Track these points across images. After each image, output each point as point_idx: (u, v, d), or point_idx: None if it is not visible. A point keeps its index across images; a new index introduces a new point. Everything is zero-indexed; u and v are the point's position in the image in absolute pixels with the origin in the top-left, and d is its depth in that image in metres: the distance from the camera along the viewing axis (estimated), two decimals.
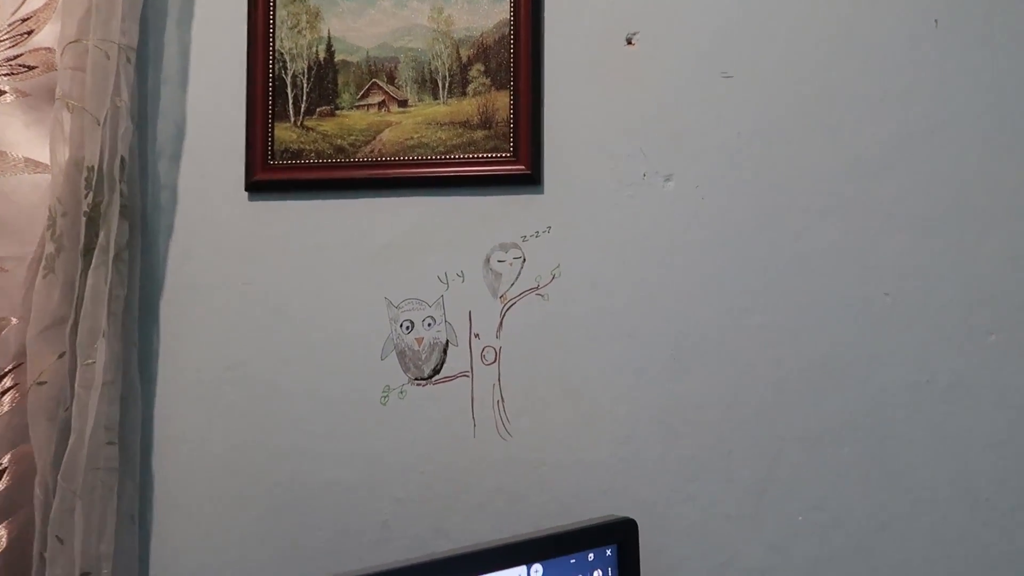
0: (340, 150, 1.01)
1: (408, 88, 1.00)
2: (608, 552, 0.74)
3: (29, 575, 0.98)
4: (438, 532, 0.96)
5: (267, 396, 1.02)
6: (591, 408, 0.93)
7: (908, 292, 0.86)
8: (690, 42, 0.93)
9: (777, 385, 0.89)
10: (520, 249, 0.96)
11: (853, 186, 0.88)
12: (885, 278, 0.87)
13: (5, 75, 1.06)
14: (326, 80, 1.02)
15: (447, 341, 0.97)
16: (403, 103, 1.00)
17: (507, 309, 0.96)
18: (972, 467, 0.84)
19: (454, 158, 0.98)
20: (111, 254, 0.99)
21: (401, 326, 0.99)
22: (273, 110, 1.03)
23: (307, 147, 1.02)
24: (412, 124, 0.99)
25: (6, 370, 1.02)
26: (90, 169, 0.99)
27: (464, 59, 0.98)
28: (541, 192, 0.96)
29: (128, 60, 1.02)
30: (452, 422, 0.97)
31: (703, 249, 0.91)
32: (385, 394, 0.99)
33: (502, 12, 0.97)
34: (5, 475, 1.00)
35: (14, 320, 1.03)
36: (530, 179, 0.95)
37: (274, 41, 1.03)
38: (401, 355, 0.99)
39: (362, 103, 1.01)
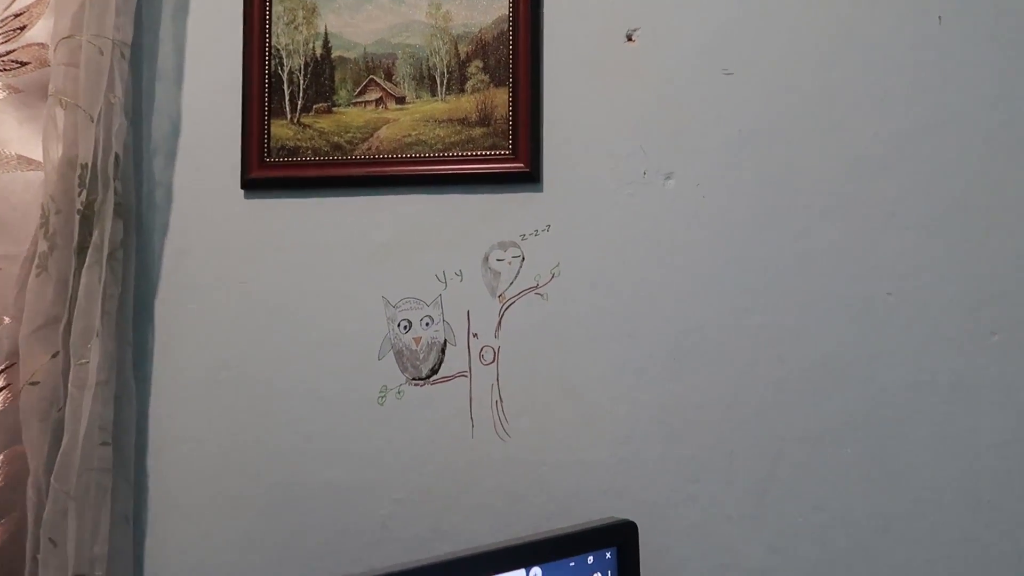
0: (337, 147, 1.00)
1: (406, 85, 0.99)
2: (608, 555, 0.73)
3: None
4: (436, 533, 0.96)
5: (263, 396, 1.02)
6: (591, 408, 0.93)
7: (910, 291, 0.86)
8: (691, 39, 0.92)
9: (778, 385, 0.88)
10: (519, 248, 0.95)
11: (855, 185, 0.87)
12: (887, 277, 0.86)
13: None
14: (323, 77, 1.01)
15: (445, 341, 0.97)
16: (401, 100, 0.99)
17: (506, 308, 0.95)
18: (974, 468, 0.83)
19: (452, 156, 0.97)
20: (105, 252, 0.98)
21: (399, 325, 0.98)
22: (269, 107, 1.02)
23: (304, 144, 1.01)
24: (410, 121, 0.98)
25: None
26: (84, 166, 0.98)
27: (462, 55, 0.97)
28: (540, 190, 0.95)
29: (122, 56, 1.01)
30: (450, 422, 0.96)
31: (704, 248, 0.91)
32: (382, 394, 0.98)
33: (501, 8, 0.96)
34: None
35: (6, 319, 1.02)
36: (529, 177, 0.94)
37: (270, 37, 1.03)
38: (399, 355, 0.98)
39: (359, 100, 1.00)
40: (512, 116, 0.95)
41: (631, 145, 0.93)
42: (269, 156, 1.02)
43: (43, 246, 0.99)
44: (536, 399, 0.94)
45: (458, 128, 0.97)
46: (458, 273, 0.97)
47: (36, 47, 1.06)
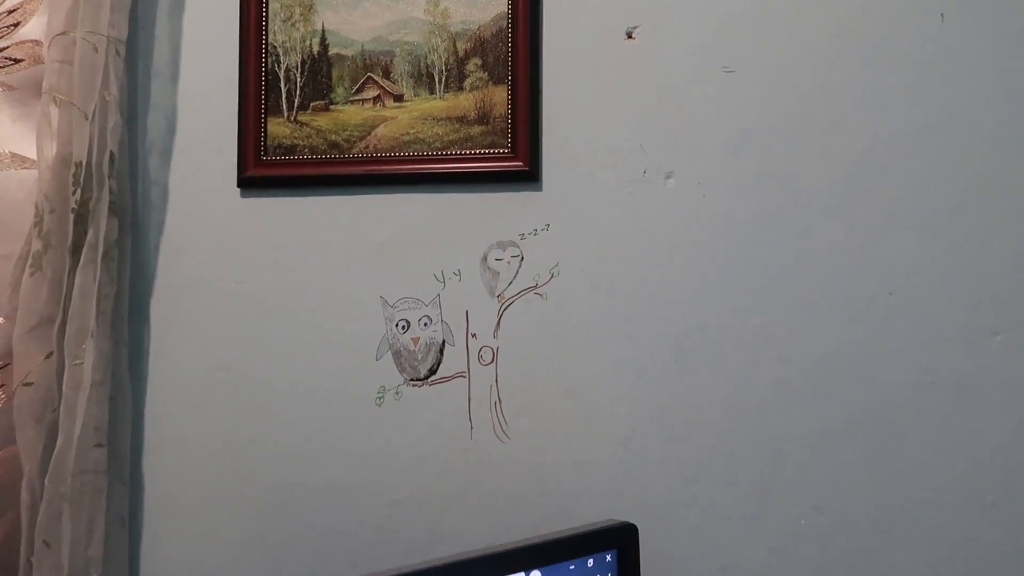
0: (334, 145, 1.00)
1: (404, 82, 0.98)
2: (608, 557, 0.73)
3: None
4: (434, 536, 0.95)
5: (260, 397, 1.01)
6: (590, 409, 0.92)
7: (912, 291, 0.85)
8: (692, 36, 0.91)
9: (779, 385, 0.88)
10: (518, 247, 0.95)
11: (857, 183, 0.87)
12: (889, 277, 0.86)
13: None
14: (320, 74, 1.01)
15: (443, 341, 0.96)
16: (399, 98, 0.99)
17: (505, 308, 0.95)
18: (977, 469, 0.83)
19: (451, 154, 0.96)
20: (100, 252, 0.97)
21: (397, 325, 0.97)
22: (266, 105, 1.02)
23: (301, 142, 1.01)
24: (408, 119, 0.98)
25: None
26: (78, 165, 0.98)
27: (461, 53, 0.97)
28: (540, 189, 0.95)
29: (117, 53, 1.00)
30: (449, 423, 0.96)
31: (704, 247, 0.90)
32: (380, 395, 0.98)
33: (500, 5, 0.95)
34: None
35: (0, 319, 1.01)
36: (528, 176, 0.94)
37: (267, 34, 1.02)
38: (396, 355, 0.97)
39: (357, 98, 1.00)
40: (511, 114, 0.94)
41: (631, 143, 0.92)
42: (266, 154, 1.01)
43: (37, 245, 0.98)
44: (535, 400, 0.94)
45: (456, 126, 0.96)
46: (456, 273, 0.96)
47: (30, 44, 1.05)
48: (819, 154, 0.88)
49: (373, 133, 0.99)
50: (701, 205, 0.90)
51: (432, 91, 0.98)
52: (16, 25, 1.05)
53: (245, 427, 1.01)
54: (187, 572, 1.02)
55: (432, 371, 0.96)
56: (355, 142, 0.99)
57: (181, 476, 1.03)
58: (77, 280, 0.96)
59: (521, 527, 0.90)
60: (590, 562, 0.71)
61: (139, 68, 1.06)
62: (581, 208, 0.93)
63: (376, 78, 0.99)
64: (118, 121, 0.99)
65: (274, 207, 1.02)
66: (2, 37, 1.05)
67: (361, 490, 0.97)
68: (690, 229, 0.91)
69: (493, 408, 0.95)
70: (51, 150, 0.99)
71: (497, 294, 0.95)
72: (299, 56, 1.01)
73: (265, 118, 1.02)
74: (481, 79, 0.96)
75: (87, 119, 0.97)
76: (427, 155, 0.97)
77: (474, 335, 0.95)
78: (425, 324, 0.97)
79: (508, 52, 0.95)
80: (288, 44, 1.02)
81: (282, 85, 1.02)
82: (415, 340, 0.97)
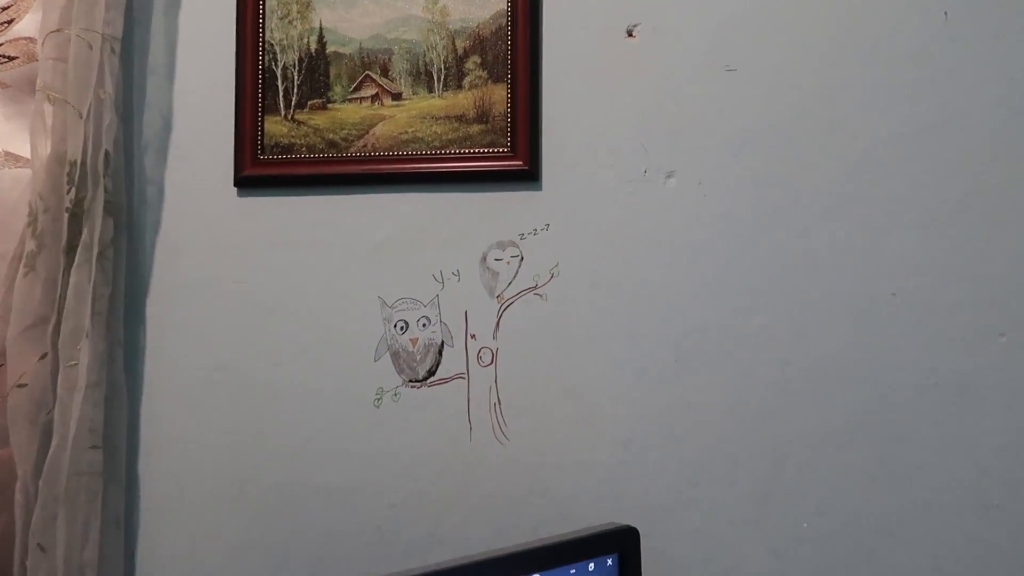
0: (332, 144, 0.99)
1: (402, 81, 0.98)
2: (609, 562, 0.72)
3: None
4: (433, 538, 0.95)
5: (257, 398, 1.01)
6: (591, 410, 0.92)
7: (915, 291, 0.85)
8: (693, 34, 0.91)
9: (781, 387, 0.87)
10: (518, 247, 0.94)
11: (859, 183, 0.86)
12: (892, 277, 0.85)
13: None
14: (317, 72, 1.00)
15: (442, 342, 0.95)
16: (397, 96, 0.98)
17: (504, 309, 0.94)
18: (981, 470, 0.82)
19: (450, 153, 0.96)
20: (95, 251, 0.97)
21: (395, 326, 0.97)
22: (263, 103, 1.01)
23: (298, 141, 1.00)
24: (406, 118, 0.97)
25: None
26: (73, 163, 0.97)
27: (460, 51, 0.96)
28: (539, 188, 0.94)
29: (112, 51, 1.00)
30: (448, 425, 0.95)
31: (705, 247, 0.90)
32: (378, 396, 0.97)
33: (499, 2, 0.95)
34: None
35: None
36: (528, 175, 0.93)
37: (264, 32, 1.01)
38: (395, 356, 0.97)
39: (355, 96, 0.99)
40: (511, 113, 0.94)
41: (632, 143, 0.92)
42: (263, 153, 1.01)
43: (31, 245, 0.98)
44: (535, 401, 0.93)
45: (455, 125, 0.96)
46: (456, 273, 0.96)
47: (24, 41, 1.05)
48: (821, 153, 0.87)
49: (371, 132, 0.98)
50: (702, 205, 0.90)
51: (431, 89, 0.97)
52: (10, 22, 1.05)
53: (242, 428, 1.01)
54: (183, 575, 1.01)
55: (431, 372, 0.96)
56: (353, 141, 0.99)
57: (178, 478, 1.02)
58: (72, 280, 0.96)
59: (521, 529, 0.90)
60: (591, 566, 0.71)
61: (135, 66, 1.06)
62: (581, 208, 0.93)
63: (374, 76, 0.99)
64: (113, 119, 0.99)
65: (271, 207, 1.01)
66: None
67: (359, 492, 0.97)
68: (691, 229, 0.90)
69: (492, 410, 0.94)
70: (45, 149, 0.98)
71: (496, 294, 0.95)
72: (296, 54, 1.01)
73: (262, 117, 1.01)
74: (480, 77, 0.95)
75: (82, 117, 0.97)
76: (426, 154, 0.96)
77: (473, 336, 0.95)
78: (424, 325, 0.96)
79: (508, 50, 0.94)
80: (285, 42, 1.01)
81: (279, 83, 1.01)
82: (414, 341, 0.96)
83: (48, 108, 0.98)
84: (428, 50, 0.97)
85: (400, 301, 0.97)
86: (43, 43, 0.99)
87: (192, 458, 1.02)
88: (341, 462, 0.98)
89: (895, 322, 0.85)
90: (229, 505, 1.01)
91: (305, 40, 1.01)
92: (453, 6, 0.97)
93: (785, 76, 0.88)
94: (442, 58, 0.97)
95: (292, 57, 1.01)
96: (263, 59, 1.01)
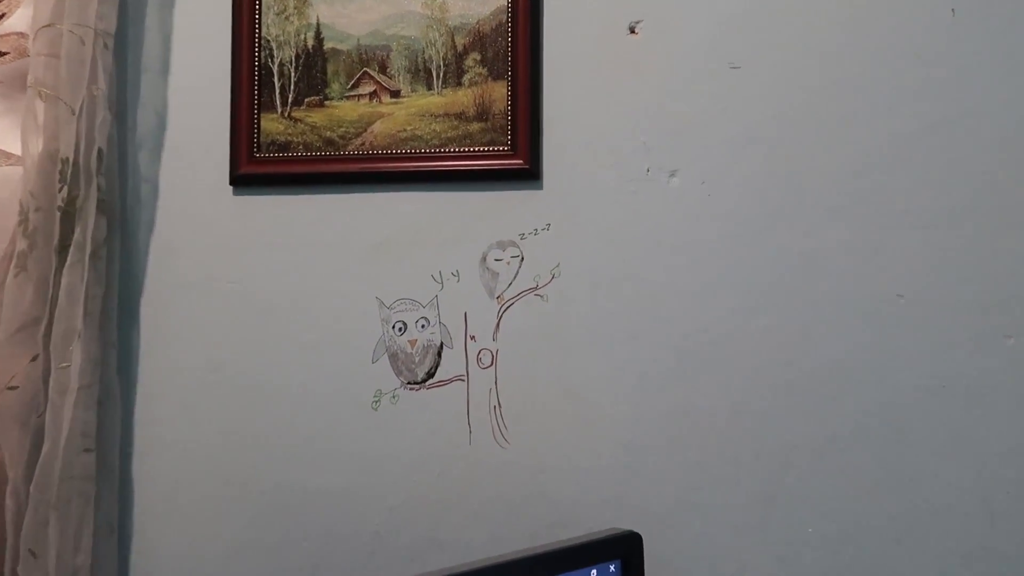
0: (329, 142, 0.98)
1: (401, 78, 0.97)
2: (612, 568, 0.71)
3: None
4: (431, 543, 0.94)
5: (253, 400, 1.00)
6: (592, 413, 0.91)
7: (922, 293, 0.84)
8: (696, 31, 0.90)
9: (785, 389, 0.87)
10: (518, 247, 0.93)
11: (865, 182, 0.86)
12: (898, 279, 0.85)
13: None
14: (315, 69, 0.99)
15: (442, 343, 0.95)
16: (395, 93, 0.97)
17: (504, 310, 0.93)
18: (989, 475, 0.82)
19: (449, 151, 0.95)
20: (88, 251, 0.97)
21: (393, 327, 0.96)
22: (259, 100, 1.00)
23: (295, 139, 0.99)
24: (405, 116, 0.96)
25: None
26: (65, 161, 0.97)
27: (459, 48, 0.95)
28: (540, 188, 0.93)
29: (105, 46, 0.99)
30: (447, 428, 0.94)
31: (709, 248, 0.89)
32: (377, 398, 0.96)
33: None
34: None
35: None
36: (528, 174, 0.93)
37: (260, 28, 1.01)
38: (393, 358, 0.96)
39: (352, 93, 0.98)
40: (511, 111, 0.93)
41: (634, 141, 0.91)
42: (259, 151, 1.00)
43: (22, 244, 0.97)
44: (536, 404, 0.92)
45: (455, 123, 0.95)
46: (455, 273, 0.95)
47: (15, 36, 1.04)
48: (826, 152, 0.87)
49: (369, 130, 0.97)
50: (705, 204, 0.89)
51: (430, 87, 0.96)
52: (1, 17, 1.03)
53: (238, 431, 1.00)
54: None
55: (430, 374, 0.95)
56: (351, 139, 0.98)
57: (172, 481, 1.02)
58: (64, 280, 0.96)
59: (521, 534, 0.89)
60: (593, 572, 0.70)
61: (128, 62, 1.05)
62: (583, 207, 0.92)
63: (372, 73, 0.98)
64: (106, 116, 0.99)
65: (267, 205, 1.01)
66: None
67: (357, 495, 0.96)
68: (694, 229, 0.90)
69: (492, 412, 0.93)
70: (37, 146, 0.97)
71: (496, 295, 0.94)
72: (293, 50, 1.00)
73: (258, 114, 1.00)
74: (480, 74, 0.94)
75: (74, 114, 0.97)
76: (424, 152, 0.95)
77: (473, 337, 0.94)
78: (423, 326, 0.95)
79: (508, 47, 0.93)
80: (282, 38, 1.00)
81: (276, 80, 1.00)
82: (412, 342, 0.95)
83: (40, 105, 0.97)
84: (427, 47, 0.96)
85: (399, 302, 0.96)
86: (34, 38, 0.99)
87: (187, 461, 1.01)
88: (339, 465, 0.97)
89: (901, 324, 0.84)
90: (225, 509, 1.00)
91: (302, 36, 1.00)
92: (452, 2, 0.96)
93: (790, 73, 0.88)
94: (441, 55, 0.96)
95: (289, 53, 1.00)
96: (259, 55, 1.00)
